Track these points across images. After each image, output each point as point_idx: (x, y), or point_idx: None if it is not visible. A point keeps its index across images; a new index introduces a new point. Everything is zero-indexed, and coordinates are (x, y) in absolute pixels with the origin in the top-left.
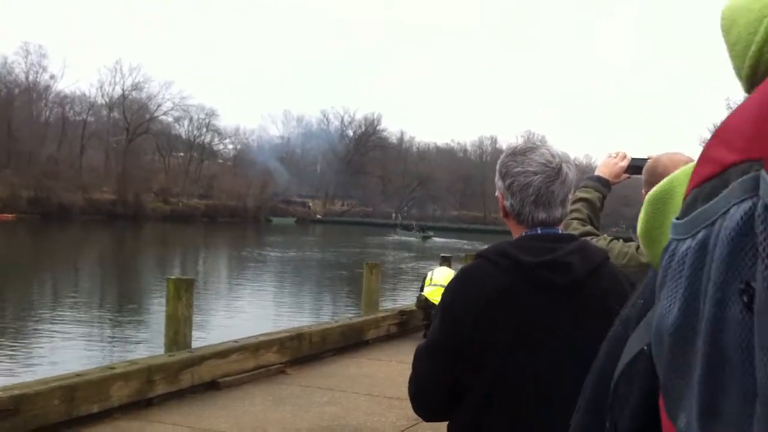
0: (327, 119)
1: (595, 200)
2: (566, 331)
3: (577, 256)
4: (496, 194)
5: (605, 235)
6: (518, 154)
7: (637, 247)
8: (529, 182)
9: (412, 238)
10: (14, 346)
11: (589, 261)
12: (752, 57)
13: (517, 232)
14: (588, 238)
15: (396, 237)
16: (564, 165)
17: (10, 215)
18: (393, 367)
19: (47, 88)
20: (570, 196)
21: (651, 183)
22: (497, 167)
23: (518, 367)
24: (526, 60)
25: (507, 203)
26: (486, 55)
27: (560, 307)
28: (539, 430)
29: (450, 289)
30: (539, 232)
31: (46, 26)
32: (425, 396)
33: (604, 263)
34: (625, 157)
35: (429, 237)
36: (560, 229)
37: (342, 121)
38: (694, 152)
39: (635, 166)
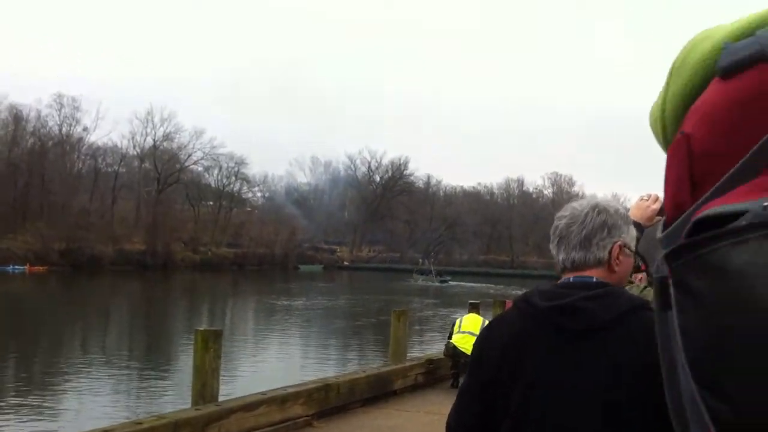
0: (354, 165)
1: None
2: (580, 376)
3: (596, 302)
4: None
5: (637, 283)
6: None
7: None
8: (555, 226)
9: (429, 283)
10: (42, 398)
11: (611, 308)
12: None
13: None
14: None
15: (413, 282)
16: (591, 210)
17: (41, 268)
18: (421, 418)
19: (80, 140)
20: (597, 241)
21: None
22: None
23: (538, 409)
24: (550, 101)
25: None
26: (512, 97)
27: (576, 352)
28: None
29: (479, 335)
30: (571, 280)
31: (79, 77)
32: None
33: (634, 311)
34: (657, 199)
35: (446, 281)
36: (596, 278)
37: (369, 166)
38: None
39: None
